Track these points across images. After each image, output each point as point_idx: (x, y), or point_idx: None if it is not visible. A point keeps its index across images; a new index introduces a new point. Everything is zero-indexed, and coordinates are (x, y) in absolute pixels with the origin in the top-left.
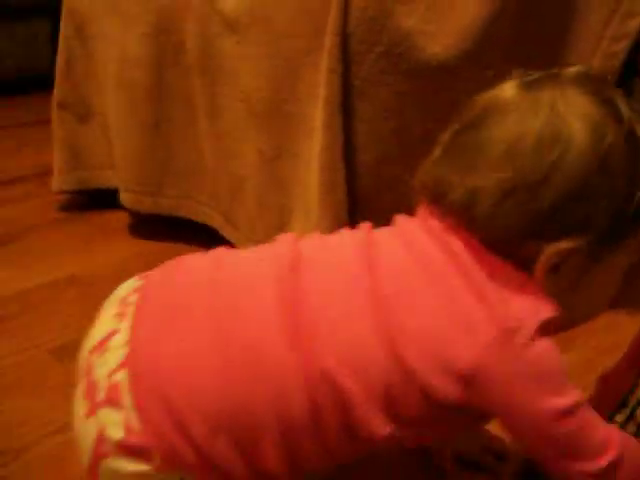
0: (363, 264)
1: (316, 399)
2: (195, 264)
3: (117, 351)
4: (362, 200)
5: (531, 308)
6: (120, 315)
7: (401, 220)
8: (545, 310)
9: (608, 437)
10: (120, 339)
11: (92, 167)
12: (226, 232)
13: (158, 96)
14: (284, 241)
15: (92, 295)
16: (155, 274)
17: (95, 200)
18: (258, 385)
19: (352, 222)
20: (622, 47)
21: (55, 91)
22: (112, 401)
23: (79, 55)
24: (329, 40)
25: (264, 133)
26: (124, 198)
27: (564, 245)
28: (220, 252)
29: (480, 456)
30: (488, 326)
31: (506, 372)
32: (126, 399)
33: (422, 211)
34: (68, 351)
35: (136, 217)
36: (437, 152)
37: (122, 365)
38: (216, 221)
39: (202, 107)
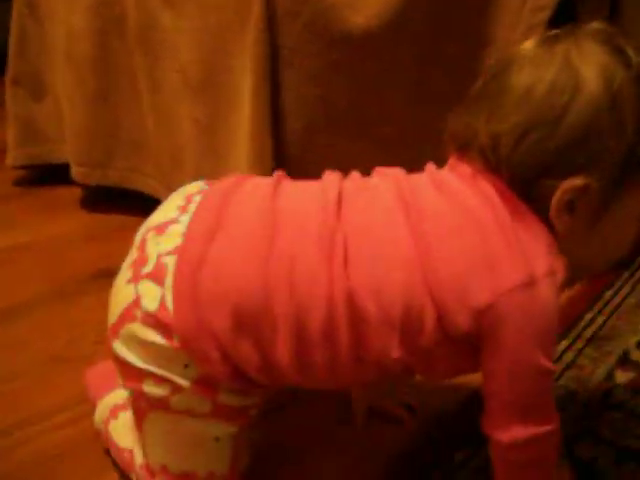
0: (400, 202)
1: (334, 314)
2: (259, 183)
3: (173, 238)
4: (291, 167)
5: (551, 266)
6: (183, 208)
7: (431, 167)
8: (560, 269)
9: (555, 412)
10: (178, 229)
11: (46, 142)
12: None
13: (104, 69)
14: (331, 180)
15: (46, 260)
16: (223, 183)
17: (50, 175)
18: (286, 289)
19: None
20: (542, 19)
21: (9, 68)
22: (156, 277)
23: (32, 33)
24: (255, 11)
25: (199, 103)
26: (74, 172)
27: (577, 181)
28: (281, 178)
29: (393, 408)
30: (512, 273)
31: (516, 318)
32: (168, 280)
33: (452, 159)
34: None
35: (88, 191)
36: (465, 102)
37: (174, 252)
38: (161, 192)
39: (144, 80)
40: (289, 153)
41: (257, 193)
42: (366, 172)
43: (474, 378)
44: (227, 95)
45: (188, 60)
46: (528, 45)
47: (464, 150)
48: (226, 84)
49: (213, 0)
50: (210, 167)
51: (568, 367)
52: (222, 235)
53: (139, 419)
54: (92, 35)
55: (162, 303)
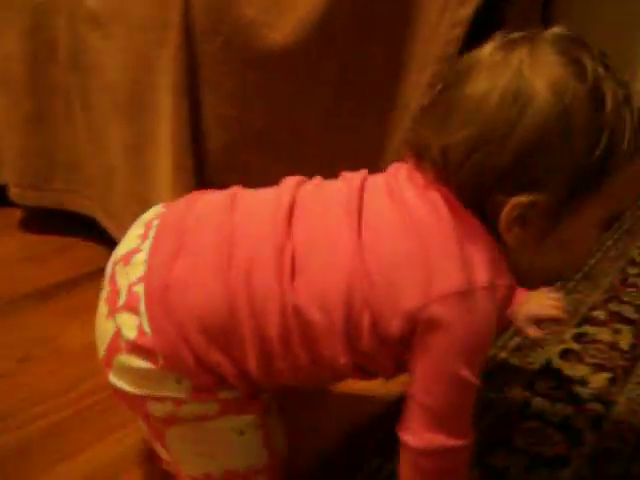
0: (349, 209)
1: (287, 326)
2: (214, 198)
3: (138, 267)
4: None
5: (492, 278)
6: (144, 235)
7: (393, 170)
8: (503, 284)
9: (470, 427)
10: (141, 257)
11: None
12: (105, 223)
13: (38, 91)
14: (287, 186)
15: None
16: (179, 203)
17: None
18: (246, 305)
19: None
20: (457, 34)
21: None
22: (130, 307)
23: None
24: (174, 29)
25: (127, 123)
26: (12, 193)
27: (525, 198)
28: (236, 190)
29: (548, 311)
30: (448, 280)
31: (446, 325)
32: (142, 307)
33: (410, 165)
34: None
35: (27, 212)
36: (419, 111)
37: (141, 280)
38: (97, 213)
39: (77, 101)
40: (210, 173)
41: (213, 208)
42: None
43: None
44: (152, 114)
45: (115, 80)
46: (485, 51)
47: (418, 160)
48: (151, 103)
49: (137, 19)
50: (140, 188)
51: (489, 377)
52: (183, 255)
53: (161, 439)
54: (26, 58)
55: (140, 330)
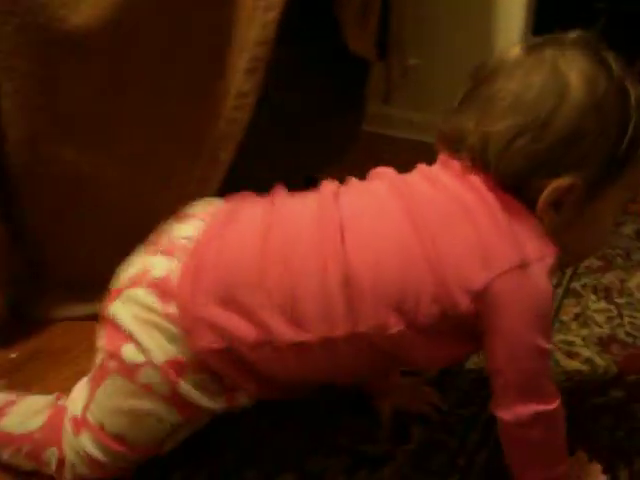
0: (394, 191)
1: (328, 287)
2: (257, 201)
3: (191, 227)
4: (18, 181)
5: (541, 251)
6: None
7: (422, 166)
8: (550, 255)
9: (555, 391)
10: (197, 223)
11: None
12: None
13: None
14: (326, 183)
15: None
16: (237, 198)
17: None
18: (280, 264)
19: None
20: (273, 17)
21: None
22: (168, 252)
23: None
24: None
25: None
26: None
27: (564, 181)
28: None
29: (420, 407)
30: (505, 257)
31: (511, 300)
32: (178, 255)
33: (442, 157)
34: None
35: None
36: (455, 105)
37: (190, 238)
38: None
39: None
40: (15, 165)
41: (259, 204)
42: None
43: None
44: None
45: None
46: (515, 51)
47: (454, 150)
48: None
49: None
50: None
51: None
52: (232, 226)
53: (99, 378)
54: None
55: (169, 273)
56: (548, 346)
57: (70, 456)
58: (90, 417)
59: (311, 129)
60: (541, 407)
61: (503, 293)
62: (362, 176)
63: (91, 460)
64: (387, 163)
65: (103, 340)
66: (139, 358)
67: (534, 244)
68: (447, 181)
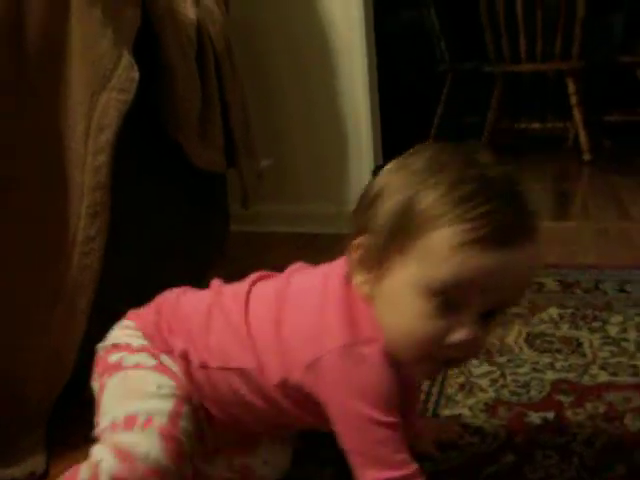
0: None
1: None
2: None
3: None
4: None
5: (375, 333)
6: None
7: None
8: (378, 339)
9: (409, 459)
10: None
11: None
12: None
13: None
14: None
15: None
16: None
17: None
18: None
19: None
20: (103, 160)
21: None
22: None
23: None
24: None
25: None
26: None
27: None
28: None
29: (427, 447)
30: (336, 338)
31: (339, 373)
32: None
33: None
34: None
35: None
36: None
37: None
38: None
39: None
40: None
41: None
42: None
43: None
44: None
45: None
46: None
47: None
48: None
49: None
50: None
51: None
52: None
53: (101, 391)
54: None
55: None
56: (385, 419)
57: None
58: (105, 424)
59: (176, 247)
60: (394, 473)
61: (329, 367)
62: (243, 272)
63: None
64: (263, 258)
65: (96, 371)
66: (121, 353)
67: (369, 328)
68: (320, 277)
